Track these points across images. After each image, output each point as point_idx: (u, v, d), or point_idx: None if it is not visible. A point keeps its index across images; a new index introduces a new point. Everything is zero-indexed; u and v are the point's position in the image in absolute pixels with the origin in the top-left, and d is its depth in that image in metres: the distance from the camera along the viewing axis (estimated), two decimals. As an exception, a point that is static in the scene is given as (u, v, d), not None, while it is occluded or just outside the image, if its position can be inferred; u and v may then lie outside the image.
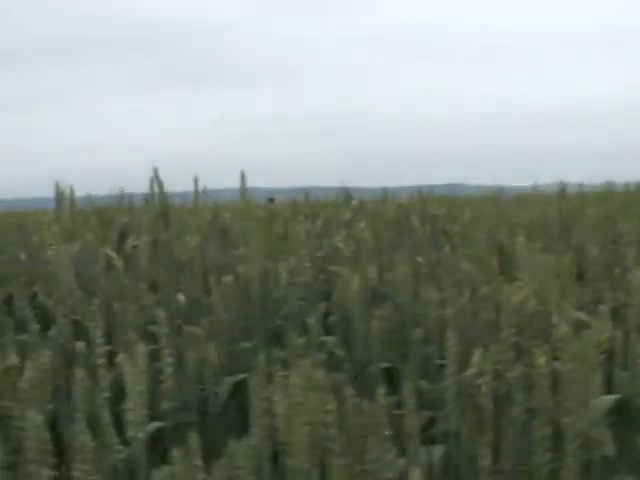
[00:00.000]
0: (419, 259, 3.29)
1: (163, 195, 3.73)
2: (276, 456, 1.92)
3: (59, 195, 4.13)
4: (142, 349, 1.94)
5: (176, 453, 1.37)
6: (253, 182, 3.95)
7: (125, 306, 2.67)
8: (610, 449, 2.07)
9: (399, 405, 2.64)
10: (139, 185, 4.24)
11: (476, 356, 1.83)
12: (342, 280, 2.80)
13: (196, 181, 3.67)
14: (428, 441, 2.39)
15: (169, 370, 1.87)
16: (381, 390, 1.62)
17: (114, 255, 2.98)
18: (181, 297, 2.56)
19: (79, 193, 4.15)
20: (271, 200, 3.92)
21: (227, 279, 2.75)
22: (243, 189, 3.75)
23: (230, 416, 2.94)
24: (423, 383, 2.78)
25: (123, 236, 4.07)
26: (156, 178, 3.83)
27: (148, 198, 3.90)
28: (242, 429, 2.88)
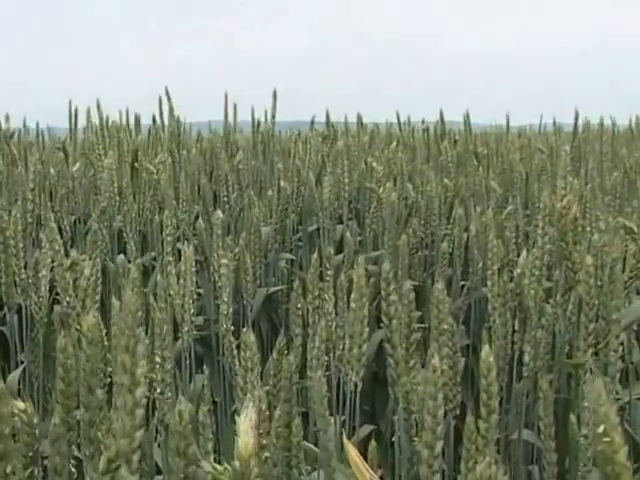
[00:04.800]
0: (447, 181, 3.36)
1: (173, 115, 3.80)
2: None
3: (73, 114, 4.15)
4: (191, 251, 2.00)
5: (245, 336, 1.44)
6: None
7: (165, 218, 2.73)
8: (637, 354, 2.16)
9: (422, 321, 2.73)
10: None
11: (522, 257, 1.91)
12: (378, 196, 2.87)
13: (226, 97, 3.72)
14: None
15: (225, 276, 1.94)
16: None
17: (152, 168, 3.03)
18: (218, 212, 2.61)
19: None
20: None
21: (269, 193, 2.82)
22: (274, 112, 3.79)
23: (261, 327, 3.02)
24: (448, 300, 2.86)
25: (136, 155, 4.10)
26: (167, 97, 3.88)
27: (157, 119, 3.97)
28: (274, 338, 2.96)
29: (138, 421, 0.84)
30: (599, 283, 1.87)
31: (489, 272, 1.87)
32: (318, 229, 3.24)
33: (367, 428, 2.29)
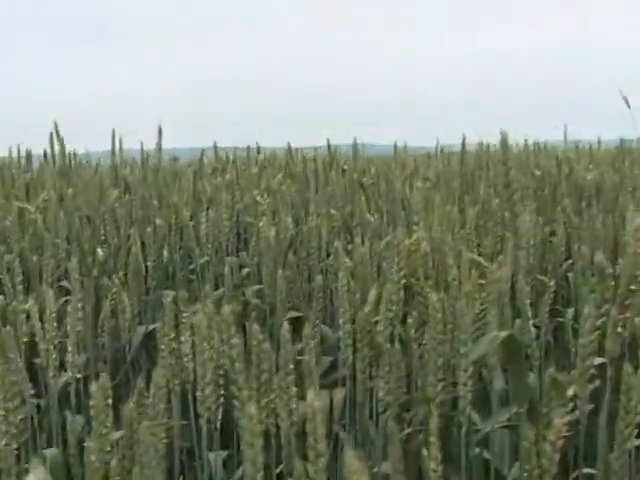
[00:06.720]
0: (333, 211, 3.38)
1: (63, 152, 3.81)
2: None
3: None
4: (51, 296, 2.00)
5: (94, 389, 1.44)
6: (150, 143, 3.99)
7: (42, 259, 2.72)
8: (499, 383, 2.19)
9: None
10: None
11: (372, 295, 1.94)
12: (259, 231, 2.88)
13: (113, 133, 3.73)
14: (330, 385, 2.50)
15: (78, 319, 1.94)
16: (286, 330, 1.72)
17: (30, 208, 3.01)
18: (99, 250, 2.61)
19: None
20: (174, 159, 4.03)
21: (147, 230, 2.81)
22: (159, 145, 3.80)
23: (142, 365, 3.01)
24: (325, 329, 2.88)
25: (27, 193, 4.08)
26: (56, 133, 3.88)
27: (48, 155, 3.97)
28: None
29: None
30: (452, 317, 1.90)
31: (340, 310, 1.89)
32: (209, 262, 3.24)
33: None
